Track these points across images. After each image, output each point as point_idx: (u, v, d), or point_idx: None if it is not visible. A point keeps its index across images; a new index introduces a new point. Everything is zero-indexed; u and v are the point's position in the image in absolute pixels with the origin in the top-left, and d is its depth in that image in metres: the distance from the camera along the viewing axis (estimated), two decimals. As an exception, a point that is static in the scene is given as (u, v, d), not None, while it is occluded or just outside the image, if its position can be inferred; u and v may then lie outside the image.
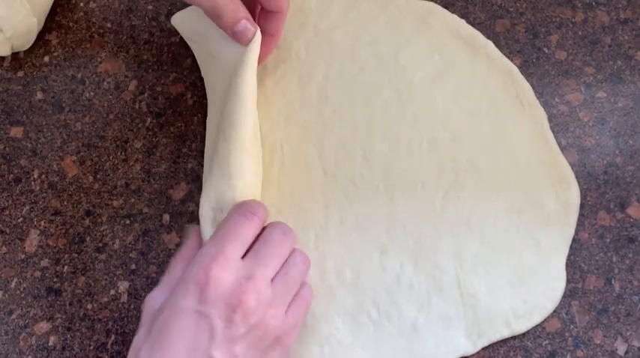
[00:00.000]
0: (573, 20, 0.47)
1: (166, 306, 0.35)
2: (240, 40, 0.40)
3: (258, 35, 0.40)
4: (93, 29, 0.49)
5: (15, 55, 0.49)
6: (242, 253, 0.37)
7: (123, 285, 0.43)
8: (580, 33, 0.46)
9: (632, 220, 0.42)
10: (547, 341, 0.41)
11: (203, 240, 0.39)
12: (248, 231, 0.37)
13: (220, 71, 0.43)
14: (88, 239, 0.44)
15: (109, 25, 0.49)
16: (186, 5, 0.46)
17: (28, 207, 0.45)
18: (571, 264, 0.42)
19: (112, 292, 0.43)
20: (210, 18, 0.40)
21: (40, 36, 0.49)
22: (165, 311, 0.35)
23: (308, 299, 0.39)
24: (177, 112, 0.47)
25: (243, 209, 0.38)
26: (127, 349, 0.41)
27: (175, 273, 0.38)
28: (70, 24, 0.49)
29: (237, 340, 0.35)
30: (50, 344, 0.42)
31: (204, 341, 0.34)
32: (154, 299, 0.37)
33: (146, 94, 0.47)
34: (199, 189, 0.45)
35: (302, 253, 0.39)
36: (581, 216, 0.42)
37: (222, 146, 0.39)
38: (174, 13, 0.49)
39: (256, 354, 0.35)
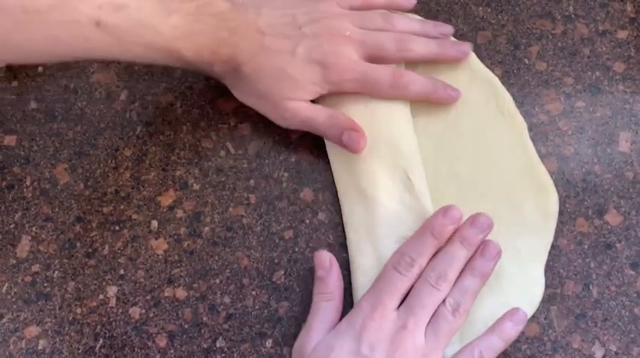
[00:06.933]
0: (553, 32, 0.48)
1: (328, 348, 0.38)
2: (350, 149, 0.43)
3: None
4: (86, 40, 0.50)
5: (9, 66, 0.50)
6: (398, 304, 0.39)
7: (111, 290, 0.44)
8: (560, 44, 0.48)
9: (609, 227, 0.43)
10: (526, 346, 0.41)
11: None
12: (403, 285, 0.39)
13: None
14: (78, 245, 0.45)
15: (101, 37, 0.50)
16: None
17: (20, 214, 0.46)
18: (550, 270, 0.42)
19: (101, 297, 0.44)
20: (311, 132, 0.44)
21: (35, 47, 0.50)
22: (325, 352, 0.38)
23: None
24: (167, 121, 0.48)
25: (401, 262, 0.40)
26: (115, 353, 0.42)
27: (323, 317, 0.40)
28: (64, 35, 0.51)
29: None
30: (40, 347, 0.43)
31: None
32: (305, 344, 0.39)
33: (137, 104, 0.48)
34: (187, 196, 0.46)
35: (454, 304, 0.39)
36: (560, 223, 0.43)
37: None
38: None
39: None
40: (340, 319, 0.40)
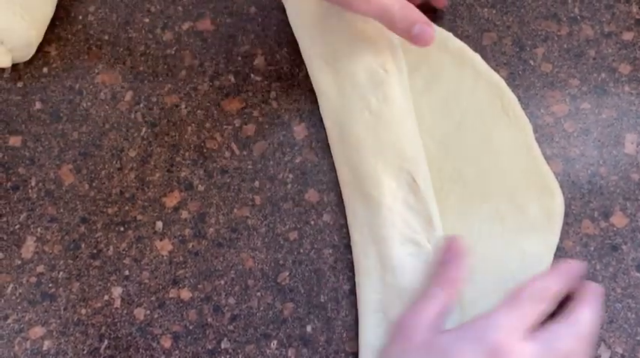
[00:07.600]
0: (559, 34, 0.48)
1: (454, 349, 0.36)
2: (419, 43, 0.42)
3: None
4: (91, 41, 0.50)
5: (15, 67, 0.50)
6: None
7: (116, 291, 0.44)
8: (565, 46, 0.47)
9: (615, 229, 0.43)
10: (531, 348, 0.41)
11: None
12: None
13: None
14: (82, 245, 0.45)
15: (106, 38, 0.50)
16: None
17: (25, 214, 0.46)
18: (555, 272, 0.42)
19: (106, 297, 0.44)
20: (382, 24, 0.42)
21: (40, 48, 0.50)
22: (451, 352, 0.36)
23: None
24: (172, 122, 0.48)
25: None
26: (120, 354, 0.42)
27: (434, 303, 0.39)
28: (69, 36, 0.51)
29: None
30: (44, 348, 0.43)
31: None
32: (414, 324, 0.38)
33: (141, 105, 0.48)
34: (192, 196, 0.46)
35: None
36: (566, 225, 0.43)
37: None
38: (169, 27, 0.50)
39: None
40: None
